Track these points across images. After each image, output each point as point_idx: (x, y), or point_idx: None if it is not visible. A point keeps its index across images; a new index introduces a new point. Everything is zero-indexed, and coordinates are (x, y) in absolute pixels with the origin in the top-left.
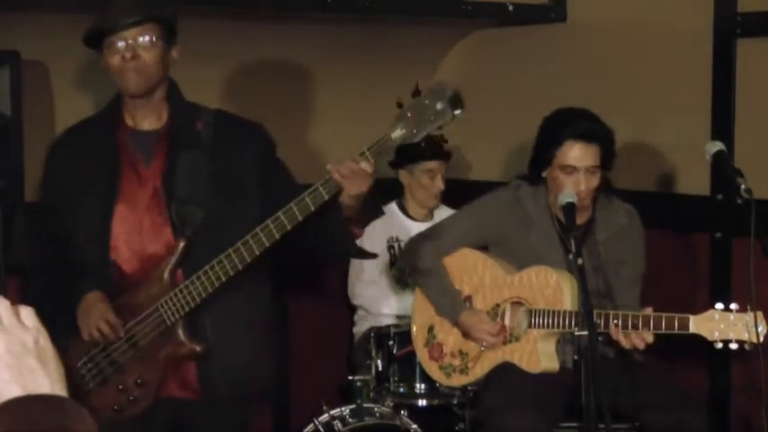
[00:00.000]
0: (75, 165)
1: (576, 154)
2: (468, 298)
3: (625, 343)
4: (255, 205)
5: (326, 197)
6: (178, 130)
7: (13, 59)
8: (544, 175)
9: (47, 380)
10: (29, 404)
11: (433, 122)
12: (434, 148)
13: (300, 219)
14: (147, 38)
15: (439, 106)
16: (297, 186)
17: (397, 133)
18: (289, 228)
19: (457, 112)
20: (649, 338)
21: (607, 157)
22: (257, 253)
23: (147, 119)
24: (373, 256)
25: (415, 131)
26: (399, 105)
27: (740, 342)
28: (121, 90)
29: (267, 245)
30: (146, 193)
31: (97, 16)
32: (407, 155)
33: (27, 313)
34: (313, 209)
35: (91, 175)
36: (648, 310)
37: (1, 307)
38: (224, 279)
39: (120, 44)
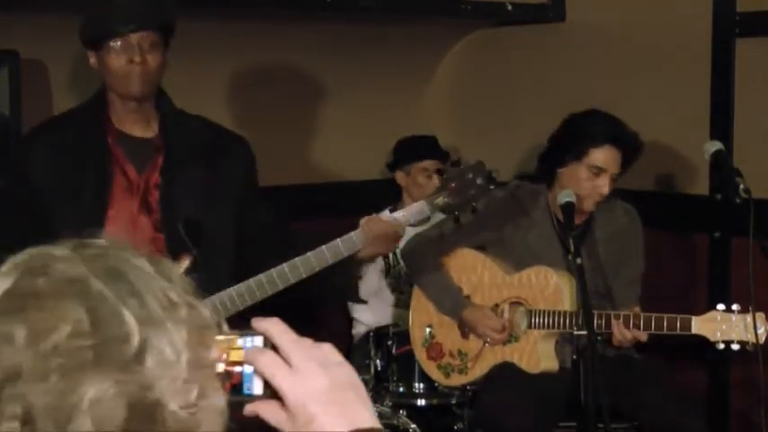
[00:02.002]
0: (56, 164)
1: (610, 158)
2: (467, 298)
3: (617, 335)
4: (233, 223)
5: (359, 246)
6: (174, 144)
7: (12, 59)
8: (560, 170)
9: (367, 413)
10: None
11: (475, 196)
12: (431, 147)
13: (331, 262)
14: (154, 43)
15: (480, 181)
16: (269, 209)
17: (440, 200)
18: (317, 269)
19: (492, 187)
20: (643, 337)
21: (624, 168)
22: (281, 287)
23: (138, 125)
24: (363, 302)
25: (457, 201)
26: (440, 172)
27: (742, 343)
28: (121, 92)
29: (292, 281)
30: (134, 201)
31: (98, 15)
32: (404, 154)
33: (331, 349)
34: (345, 255)
35: (77, 177)
36: (636, 310)
37: (309, 344)
38: (232, 311)
39: (129, 47)
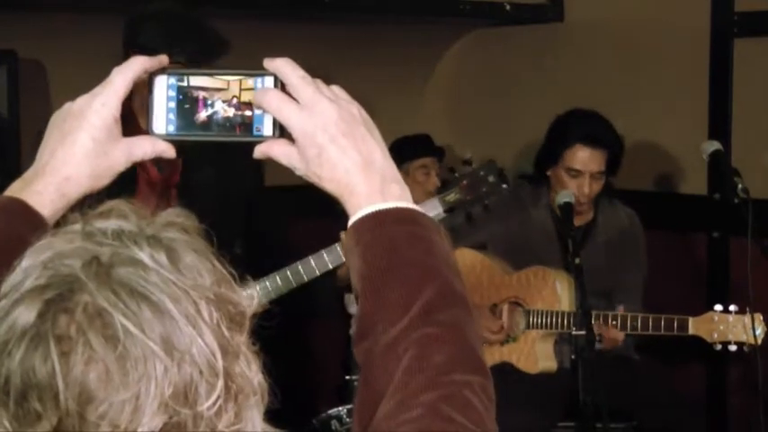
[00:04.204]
0: None
1: (584, 159)
2: None
3: (605, 335)
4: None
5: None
6: (191, 144)
7: (11, 59)
8: (549, 173)
9: (379, 150)
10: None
11: (487, 195)
12: (426, 144)
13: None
14: None
15: (491, 179)
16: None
17: (452, 197)
18: (331, 267)
19: (504, 186)
20: (620, 336)
21: (613, 164)
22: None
23: None
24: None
25: (469, 198)
26: (452, 170)
27: (739, 344)
28: None
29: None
30: (154, 198)
31: (161, 26)
32: (401, 154)
33: (341, 89)
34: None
35: None
36: (621, 309)
37: (319, 83)
38: None
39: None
